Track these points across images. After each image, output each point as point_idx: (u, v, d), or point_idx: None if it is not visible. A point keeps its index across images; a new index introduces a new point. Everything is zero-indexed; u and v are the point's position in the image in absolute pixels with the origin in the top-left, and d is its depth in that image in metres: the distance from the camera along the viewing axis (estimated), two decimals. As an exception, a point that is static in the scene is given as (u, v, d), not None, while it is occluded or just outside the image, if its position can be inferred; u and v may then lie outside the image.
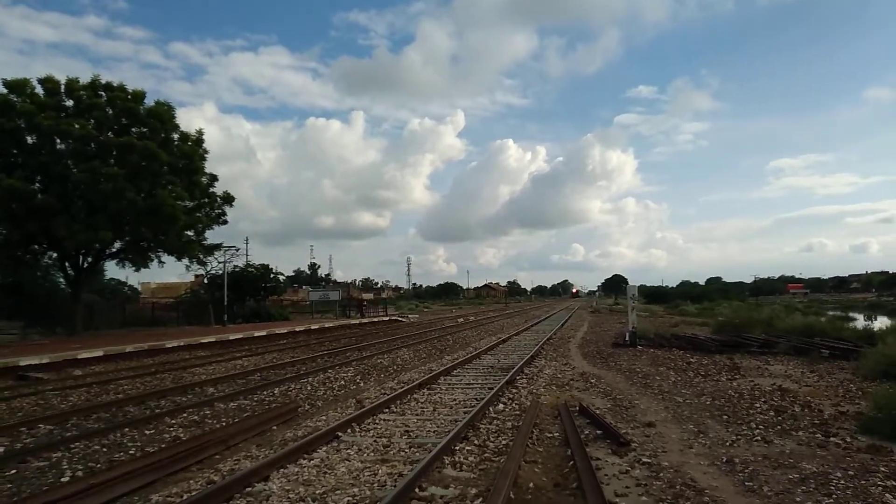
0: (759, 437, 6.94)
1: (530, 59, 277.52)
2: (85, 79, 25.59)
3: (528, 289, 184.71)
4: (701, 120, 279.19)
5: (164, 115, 26.26)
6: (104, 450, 6.88)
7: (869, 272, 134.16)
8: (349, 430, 7.42)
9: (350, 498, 4.98)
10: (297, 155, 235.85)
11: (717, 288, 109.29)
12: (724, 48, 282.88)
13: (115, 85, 25.72)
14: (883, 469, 5.56)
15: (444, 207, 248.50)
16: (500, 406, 9.11)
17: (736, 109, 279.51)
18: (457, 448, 6.51)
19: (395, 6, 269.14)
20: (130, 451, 6.79)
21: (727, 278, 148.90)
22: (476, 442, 6.85)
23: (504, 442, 6.82)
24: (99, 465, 6.19)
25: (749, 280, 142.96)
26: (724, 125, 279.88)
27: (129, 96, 25.66)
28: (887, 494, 4.91)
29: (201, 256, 30.34)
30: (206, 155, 28.45)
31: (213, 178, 29.21)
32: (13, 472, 6.01)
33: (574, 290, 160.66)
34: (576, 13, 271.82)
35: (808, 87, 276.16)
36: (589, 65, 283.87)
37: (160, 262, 29.17)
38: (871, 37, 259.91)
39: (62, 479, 5.71)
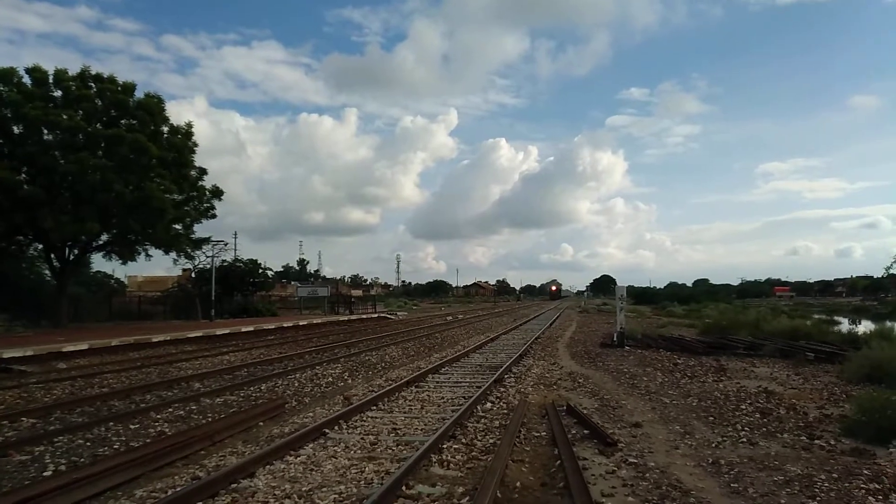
0: (744, 439, 6.98)
1: (521, 61, 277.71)
2: (75, 69, 25.37)
3: (518, 287, 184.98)
4: (691, 123, 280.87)
5: (153, 107, 26.09)
6: (88, 444, 6.81)
7: (854, 276, 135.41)
8: (336, 428, 7.38)
9: (336, 495, 4.95)
10: (289, 150, 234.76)
11: (704, 290, 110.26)
12: (714, 53, 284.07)
13: (104, 76, 25.53)
14: (866, 472, 5.62)
15: (434, 205, 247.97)
16: (488, 405, 9.11)
17: (726, 113, 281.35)
18: (444, 446, 6.50)
19: (389, 4, 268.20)
20: (115, 446, 6.72)
21: (714, 280, 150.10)
22: (464, 440, 6.84)
23: (491, 441, 6.82)
24: (82, 460, 6.13)
25: (736, 282, 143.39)
26: (715, 128, 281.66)
27: (119, 88, 25.47)
28: (870, 497, 4.96)
29: (189, 250, 30.22)
30: (195, 148, 28.37)
31: (203, 171, 29.09)
32: (-6, 465, 5.93)
33: (553, 288, 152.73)
34: (566, 16, 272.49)
35: (796, 92, 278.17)
36: (580, 67, 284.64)
37: (147, 255, 29.05)
38: (859, 46, 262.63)
39: (45, 474, 5.65)
